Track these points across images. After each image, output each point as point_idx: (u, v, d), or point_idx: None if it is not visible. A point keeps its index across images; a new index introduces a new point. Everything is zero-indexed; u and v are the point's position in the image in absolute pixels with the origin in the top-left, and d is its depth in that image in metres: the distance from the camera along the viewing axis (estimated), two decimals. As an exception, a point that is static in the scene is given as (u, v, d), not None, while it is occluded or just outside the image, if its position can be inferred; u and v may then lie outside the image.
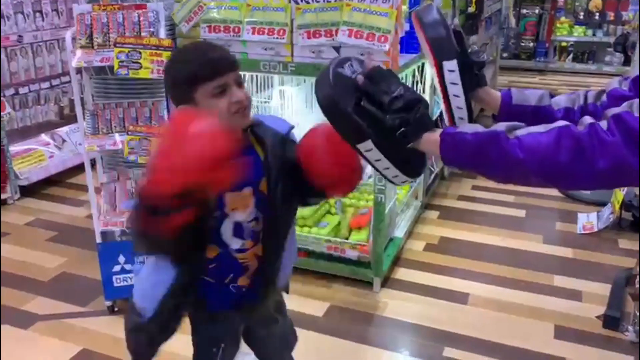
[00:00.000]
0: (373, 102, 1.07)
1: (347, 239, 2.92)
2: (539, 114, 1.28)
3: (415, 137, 1.08)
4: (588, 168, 0.95)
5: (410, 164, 1.15)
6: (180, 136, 1.05)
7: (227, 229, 1.34)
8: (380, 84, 1.09)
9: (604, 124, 0.96)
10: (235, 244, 1.36)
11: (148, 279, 1.38)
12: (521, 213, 3.89)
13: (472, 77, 1.25)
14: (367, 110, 1.07)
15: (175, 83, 1.29)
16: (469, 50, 1.28)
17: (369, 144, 1.08)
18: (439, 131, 1.08)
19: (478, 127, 1.06)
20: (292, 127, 1.44)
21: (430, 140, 1.08)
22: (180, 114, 1.16)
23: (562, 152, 0.96)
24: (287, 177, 1.36)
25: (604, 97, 1.28)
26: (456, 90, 1.21)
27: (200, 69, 1.24)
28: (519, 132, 1.02)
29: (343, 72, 1.11)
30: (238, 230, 1.35)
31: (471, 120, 1.25)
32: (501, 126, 1.04)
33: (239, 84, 1.29)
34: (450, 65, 1.19)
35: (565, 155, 0.96)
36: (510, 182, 1.08)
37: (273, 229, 1.38)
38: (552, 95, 1.32)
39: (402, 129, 1.06)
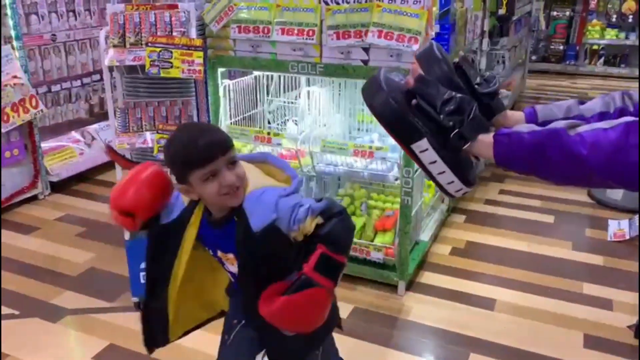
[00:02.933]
0: (426, 102, 1.05)
1: (372, 241, 2.91)
2: None
3: (471, 138, 1.04)
4: None
5: (464, 169, 1.10)
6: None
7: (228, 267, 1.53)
8: (430, 88, 1.06)
9: None
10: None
11: None
12: (550, 219, 3.83)
13: (482, 109, 1.15)
14: (421, 108, 1.05)
15: (172, 164, 1.37)
16: (483, 77, 1.21)
17: (424, 143, 1.05)
18: (492, 133, 1.05)
19: (534, 126, 1.01)
20: (274, 220, 1.34)
21: (484, 142, 1.04)
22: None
23: (630, 148, 0.90)
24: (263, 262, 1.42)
25: None
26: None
27: (192, 156, 1.30)
28: (581, 129, 0.96)
29: (392, 77, 1.11)
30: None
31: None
32: (560, 124, 0.98)
33: (232, 163, 1.33)
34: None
35: (634, 151, 0.90)
36: (568, 183, 1.02)
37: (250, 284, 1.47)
38: (581, 103, 1.26)
39: (457, 129, 1.03)
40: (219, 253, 1.49)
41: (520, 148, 1.00)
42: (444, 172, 1.08)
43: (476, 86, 1.18)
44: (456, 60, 1.22)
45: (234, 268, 1.48)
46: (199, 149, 1.29)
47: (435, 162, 1.07)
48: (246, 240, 1.36)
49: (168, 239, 1.47)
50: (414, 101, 1.06)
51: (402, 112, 1.05)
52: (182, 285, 1.52)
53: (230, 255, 1.46)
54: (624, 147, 0.91)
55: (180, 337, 1.66)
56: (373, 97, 1.09)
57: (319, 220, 1.33)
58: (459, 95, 1.06)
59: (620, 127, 0.93)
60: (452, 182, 1.10)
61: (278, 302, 1.29)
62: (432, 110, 1.04)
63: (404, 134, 1.08)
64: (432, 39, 2.63)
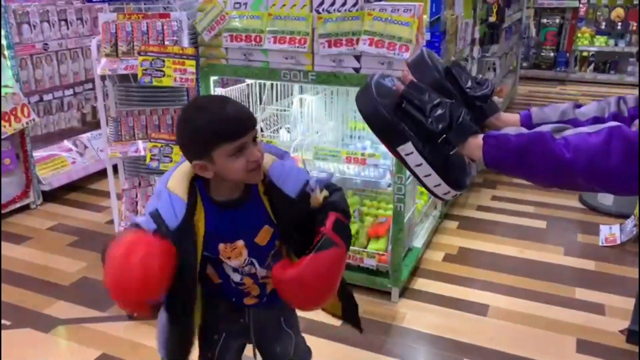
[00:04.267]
0: (414, 107, 1.08)
1: (365, 247, 2.92)
2: None
3: (458, 143, 1.06)
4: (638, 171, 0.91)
5: (452, 172, 1.12)
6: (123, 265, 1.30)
7: (227, 267, 1.42)
8: (422, 93, 1.09)
9: None
10: (235, 277, 1.44)
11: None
12: (542, 224, 3.85)
13: (475, 112, 1.20)
14: (408, 113, 1.07)
15: (196, 138, 1.25)
16: (476, 80, 1.24)
17: (409, 147, 1.08)
18: (481, 135, 1.06)
19: (522, 129, 1.03)
20: (307, 181, 1.38)
21: (473, 144, 1.06)
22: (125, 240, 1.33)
23: (612, 153, 0.92)
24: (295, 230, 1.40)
25: None
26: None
27: (223, 129, 1.22)
28: (566, 133, 0.98)
29: (384, 82, 1.14)
30: (236, 269, 1.43)
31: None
32: (546, 127, 1.00)
33: (255, 139, 1.27)
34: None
35: (615, 157, 0.92)
36: (554, 185, 1.03)
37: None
38: (577, 106, 1.27)
39: (444, 135, 1.05)
40: (222, 246, 1.37)
41: (507, 150, 1.02)
42: (429, 174, 1.10)
43: (468, 90, 1.21)
44: (447, 65, 1.24)
45: (237, 262, 1.39)
46: (232, 122, 1.22)
47: (420, 164, 1.09)
48: (285, 208, 1.35)
49: (182, 245, 1.30)
50: (403, 105, 1.09)
51: (388, 116, 1.07)
52: None
53: (240, 243, 1.37)
54: (606, 151, 0.93)
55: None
56: (362, 102, 1.12)
57: (326, 193, 1.39)
58: (448, 101, 1.08)
59: (603, 132, 0.95)
60: (439, 184, 1.12)
61: (304, 262, 1.26)
62: (420, 115, 1.07)
63: (389, 137, 1.11)
64: (423, 46, 2.65)
